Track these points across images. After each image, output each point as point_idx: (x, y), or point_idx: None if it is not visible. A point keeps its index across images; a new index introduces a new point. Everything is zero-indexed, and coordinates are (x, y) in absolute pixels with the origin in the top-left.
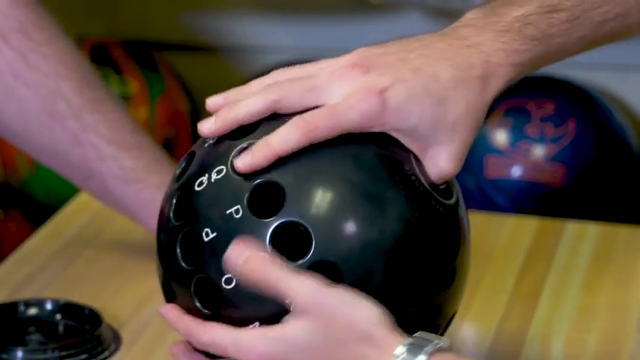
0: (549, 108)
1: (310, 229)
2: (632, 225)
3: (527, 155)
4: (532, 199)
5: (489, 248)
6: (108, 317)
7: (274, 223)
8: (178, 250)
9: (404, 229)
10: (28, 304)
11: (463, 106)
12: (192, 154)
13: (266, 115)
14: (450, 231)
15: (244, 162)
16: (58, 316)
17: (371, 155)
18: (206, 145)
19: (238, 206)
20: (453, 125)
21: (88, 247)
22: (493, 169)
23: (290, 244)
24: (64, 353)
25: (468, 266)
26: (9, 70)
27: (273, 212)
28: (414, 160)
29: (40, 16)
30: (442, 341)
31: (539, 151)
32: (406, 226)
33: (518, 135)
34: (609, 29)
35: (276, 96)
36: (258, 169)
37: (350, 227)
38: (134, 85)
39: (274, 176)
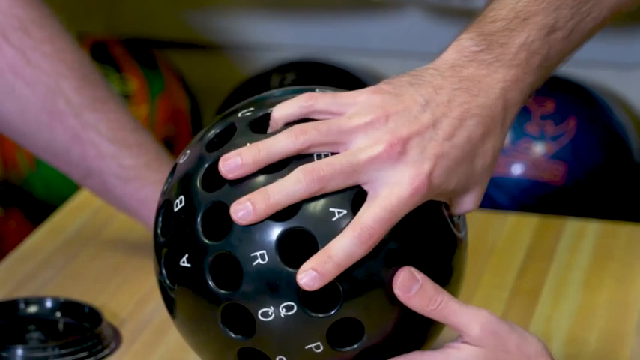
0: (549, 106)
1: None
2: (633, 223)
3: (528, 153)
4: (532, 197)
5: (489, 246)
6: (108, 315)
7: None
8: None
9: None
10: (28, 301)
11: (490, 157)
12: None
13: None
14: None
15: (308, 280)
16: (58, 314)
17: None
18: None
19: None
20: (482, 176)
21: (88, 245)
22: None
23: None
24: (64, 351)
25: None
26: (9, 68)
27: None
28: None
29: (40, 14)
30: None
31: (539, 149)
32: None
33: (518, 133)
34: (594, 32)
35: (319, 185)
36: (325, 283)
37: None
38: (134, 84)
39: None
